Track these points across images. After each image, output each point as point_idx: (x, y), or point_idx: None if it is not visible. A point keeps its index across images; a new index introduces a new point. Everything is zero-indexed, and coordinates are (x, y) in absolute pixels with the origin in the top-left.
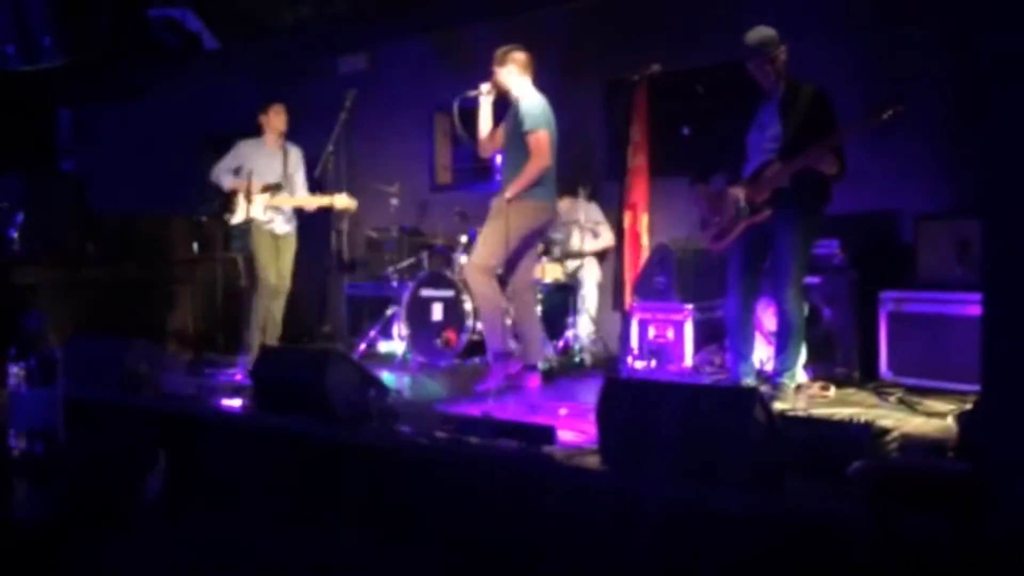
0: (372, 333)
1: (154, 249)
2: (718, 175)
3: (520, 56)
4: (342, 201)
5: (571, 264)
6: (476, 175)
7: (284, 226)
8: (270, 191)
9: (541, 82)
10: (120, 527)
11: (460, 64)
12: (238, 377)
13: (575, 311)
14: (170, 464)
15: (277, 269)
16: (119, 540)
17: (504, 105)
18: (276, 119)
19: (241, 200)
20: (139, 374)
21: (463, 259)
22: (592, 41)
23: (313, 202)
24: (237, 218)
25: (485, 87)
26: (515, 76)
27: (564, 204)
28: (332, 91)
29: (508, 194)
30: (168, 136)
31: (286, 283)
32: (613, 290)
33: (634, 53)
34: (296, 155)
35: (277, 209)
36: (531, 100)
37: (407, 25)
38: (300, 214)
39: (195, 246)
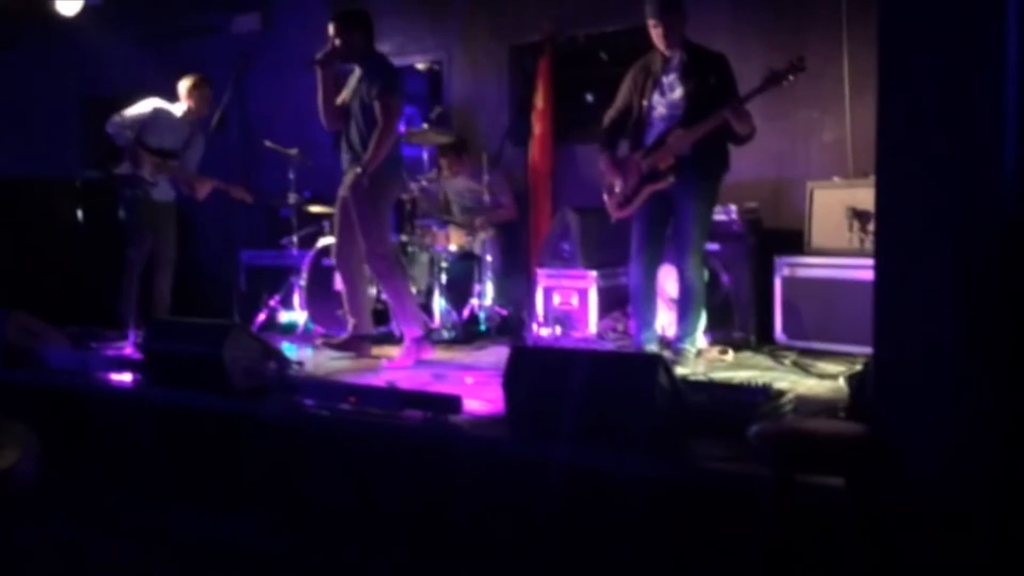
0: (272, 303)
1: (35, 216)
2: (622, 142)
3: (365, 16)
4: (239, 192)
5: (475, 232)
6: None
7: (163, 195)
8: (163, 156)
9: (443, 46)
10: None
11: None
12: (127, 351)
13: (480, 279)
14: (46, 444)
15: (156, 238)
16: None
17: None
18: (199, 101)
19: (131, 155)
20: (19, 348)
21: None
22: (495, 4)
23: (206, 184)
24: (122, 169)
25: (321, 54)
26: (362, 39)
27: (469, 171)
28: (225, 51)
29: (365, 172)
30: (48, 96)
31: (169, 253)
32: (518, 257)
33: (537, 18)
34: (201, 139)
35: (162, 175)
36: (382, 65)
37: None
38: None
39: (79, 213)
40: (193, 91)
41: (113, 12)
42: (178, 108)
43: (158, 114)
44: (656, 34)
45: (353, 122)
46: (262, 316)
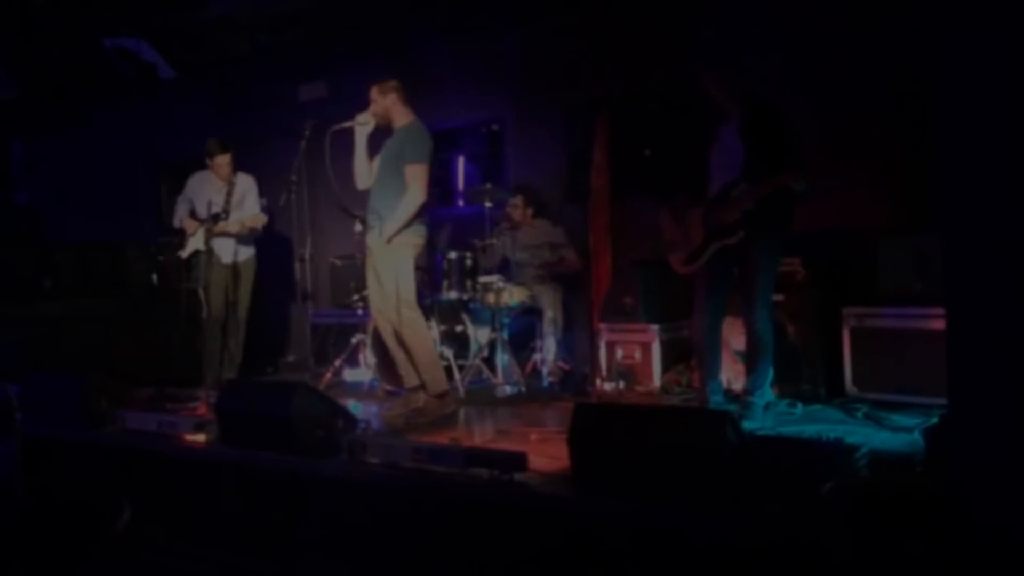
0: (338, 362)
1: (111, 281)
2: (683, 196)
3: (400, 86)
4: (254, 219)
5: (537, 287)
6: (439, 199)
7: (232, 256)
8: (209, 222)
9: (501, 107)
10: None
11: (420, 89)
12: (200, 411)
13: (542, 334)
14: (134, 509)
15: (225, 300)
16: None
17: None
18: (217, 167)
19: (188, 234)
20: (99, 410)
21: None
22: (551, 64)
23: (238, 225)
24: (186, 252)
25: (362, 117)
26: (399, 105)
27: (531, 226)
28: (292, 119)
29: (388, 235)
30: (123, 166)
31: (240, 314)
32: (580, 312)
33: (593, 75)
34: (244, 185)
35: (220, 239)
36: (417, 131)
37: (365, 51)
38: (257, 242)
39: (154, 277)
40: (211, 158)
41: (184, 84)
42: (208, 171)
43: (194, 184)
44: (712, 89)
45: (378, 183)
46: (328, 374)
